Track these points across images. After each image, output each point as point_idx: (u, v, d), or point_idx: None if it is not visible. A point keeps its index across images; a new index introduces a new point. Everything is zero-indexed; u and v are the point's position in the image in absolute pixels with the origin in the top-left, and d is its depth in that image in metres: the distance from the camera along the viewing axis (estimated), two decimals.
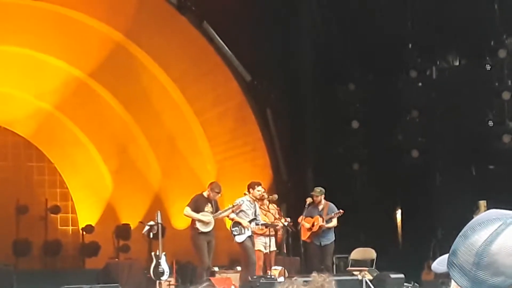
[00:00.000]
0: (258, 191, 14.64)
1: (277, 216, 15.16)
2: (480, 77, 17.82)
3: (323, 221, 15.44)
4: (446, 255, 1.78)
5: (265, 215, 15.04)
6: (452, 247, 1.75)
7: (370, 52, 18.68)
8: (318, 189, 15.65)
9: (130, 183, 20.86)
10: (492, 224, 1.70)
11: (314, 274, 1.96)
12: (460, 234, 1.74)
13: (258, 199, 14.79)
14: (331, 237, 15.63)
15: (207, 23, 19.67)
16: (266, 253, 14.93)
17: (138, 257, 18.23)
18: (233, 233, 14.35)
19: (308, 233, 15.54)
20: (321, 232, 15.48)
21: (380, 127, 19.09)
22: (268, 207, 15.25)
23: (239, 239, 14.34)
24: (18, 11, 18.73)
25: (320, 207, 15.56)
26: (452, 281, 1.74)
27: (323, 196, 15.56)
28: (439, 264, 1.80)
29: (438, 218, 17.56)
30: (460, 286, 1.72)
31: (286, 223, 14.95)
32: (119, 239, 20.22)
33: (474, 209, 15.62)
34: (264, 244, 14.91)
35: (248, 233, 14.35)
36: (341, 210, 15.44)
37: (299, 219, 15.44)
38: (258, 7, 19.66)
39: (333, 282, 1.80)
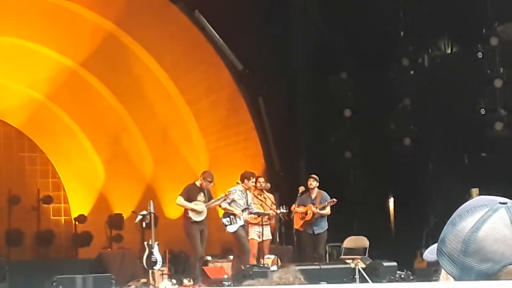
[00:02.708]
0: (252, 182, 14.70)
1: (273, 206, 15.19)
2: (472, 65, 17.82)
3: (316, 209, 15.46)
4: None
5: (261, 205, 15.05)
6: (441, 235, 1.74)
7: (362, 41, 18.67)
8: (314, 176, 15.72)
9: (122, 173, 20.83)
10: (479, 210, 1.70)
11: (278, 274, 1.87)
12: (448, 222, 1.74)
13: (256, 189, 14.89)
14: (324, 226, 15.66)
15: (198, 12, 19.61)
16: (260, 241, 14.94)
17: (131, 247, 18.21)
18: (224, 223, 14.38)
19: (301, 222, 15.56)
20: (314, 220, 15.52)
21: (373, 116, 19.10)
22: (265, 197, 15.30)
23: (231, 229, 14.37)
24: (8, 0, 18.65)
25: (313, 196, 15.61)
26: (442, 269, 1.73)
27: (317, 184, 15.61)
28: (430, 252, 1.79)
29: (430, 206, 17.59)
30: (449, 274, 1.71)
31: (279, 211, 14.97)
32: (112, 229, 20.20)
33: (467, 197, 15.60)
34: (258, 233, 14.93)
35: (241, 222, 14.37)
36: (334, 199, 15.48)
37: (292, 207, 15.46)
38: None
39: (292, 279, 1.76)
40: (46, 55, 19.95)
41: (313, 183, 15.62)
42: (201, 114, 20.51)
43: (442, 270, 1.74)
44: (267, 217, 14.98)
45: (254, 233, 14.87)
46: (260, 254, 14.96)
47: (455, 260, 1.69)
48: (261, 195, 15.24)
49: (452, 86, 17.76)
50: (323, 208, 15.51)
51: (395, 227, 19.16)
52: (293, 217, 15.58)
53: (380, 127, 19.11)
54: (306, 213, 15.50)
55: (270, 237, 15.21)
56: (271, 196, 15.65)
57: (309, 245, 15.73)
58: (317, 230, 15.60)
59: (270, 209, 15.11)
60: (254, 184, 14.82)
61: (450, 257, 1.71)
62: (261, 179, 15.47)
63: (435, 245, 1.77)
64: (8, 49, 19.55)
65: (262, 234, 14.89)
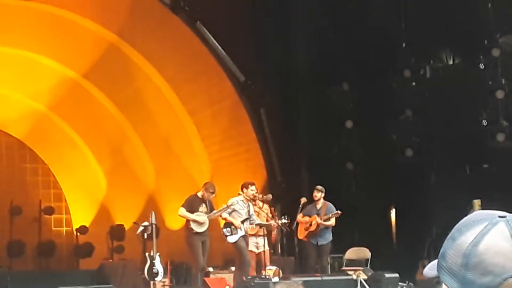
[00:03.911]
0: (252, 190, 14.68)
1: (269, 216, 15.19)
2: (473, 76, 17.84)
3: (321, 220, 15.45)
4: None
5: (258, 215, 15.05)
6: (441, 250, 1.75)
7: (363, 52, 18.69)
8: (319, 187, 15.73)
9: (124, 184, 20.83)
10: (479, 224, 1.71)
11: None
12: (448, 237, 1.75)
13: (251, 199, 14.84)
14: (328, 237, 15.64)
15: (200, 23, 19.67)
16: (259, 253, 14.94)
17: (133, 258, 18.22)
18: (225, 234, 14.38)
19: (306, 232, 15.55)
20: (319, 231, 15.49)
21: (374, 127, 19.11)
22: (260, 207, 15.28)
23: (231, 239, 14.37)
24: (10, 11, 18.71)
25: (319, 206, 15.61)
26: (443, 284, 1.74)
27: (323, 195, 15.61)
28: (430, 268, 1.80)
29: (432, 217, 17.58)
30: None
31: (281, 221, 14.97)
32: (113, 240, 20.20)
33: (469, 208, 15.63)
34: (256, 244, 14.93)
35: (241, 233, 14.37)
36: (338, 211, 15.47)
37: (298, 218, 15.45)
38: (252, 7, 19.68)
39: None
40: (48, 65, 19.99)
41: (317, 194, 15.63)
42: (202, 125, 20.54)
43: (443, 285, 1.75)
44: (268, 228, 14.98)
45: (251, 244, 14.87)
46: (262, 265, 14.95)
47: (456, 274, 1.70)
48: (255, 205, 15.18)
49: (454, 97, 17.77)
50: (328, 219, 15.49)
51: (397, 238, 19.15)
52: (296, 227, 15.57)
53: (382, 138, 19.11)
54: (310, 224, 15.49)
55: (267, 248, 15.16)
56: (266, 206, 15.64)
57: (312, 256, 15.71)
58: (321, 241, 15.58)
59: (267, 219, 15.11)
60: (253, 192, 14.77)
61: (450, 271, 1.71)
62: (255, 189, 15.42)
63: (435, 261, 1.78)
64: (10, 59, 19.59)
65: (262, 245, 14.89)
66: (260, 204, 15.41)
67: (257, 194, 15.11)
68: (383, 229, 18.84)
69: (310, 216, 15.54)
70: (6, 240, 19.88)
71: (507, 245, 1.67)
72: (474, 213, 1.76)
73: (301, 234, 15.67)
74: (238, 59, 19.93)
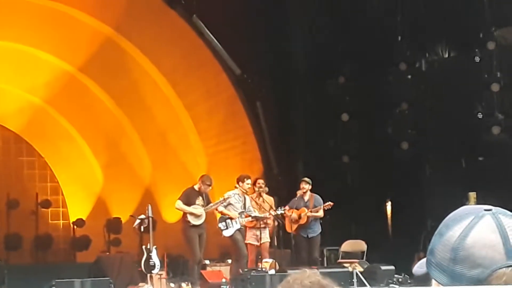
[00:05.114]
0: (247, 184, 14.71)
1: (273, 208, 15.15)
2: (469, 69, 17.85)
3: (310, 213, 15.44)
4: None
5: (260, 207, 15.03)
6: (430, 246, 1.78)
7: (360, 45, 18.70)
8: (306, 179, 15.70)
9: (120, 177, 20.84)
10: (465, 219, 1.74)
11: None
12: (436, 232, 1.77)
13: (253, 192, 14.90)
14: (317, 230, 15.63)
15: (196, 16, 19.66)
16: (258, 245, 14.95)
17: (129, 251, 18.22)
18: (221, 228, 14.41)
19: (295, 226, 15.54)
20: (308, 224, 15.48)
21: (370, 120, 19.13)
22: (263, 200, 15.28)
23: (227, 233, 14.40)
24: (7, 5, 18.69)
25: (306, 199, 15.58)
26: (433, 280, 1.77)
27: (310, 187, 15.59)
28: (420, 266, 1.83)
29: (428, 210, 17.60)
30: (440, 283, 1.74)
31: (278, 211, 14.95)
32: (110, 233, 20.20)
33: (464, 200, 15.68)
34: (256, 237, 14.93)
35: (237, 226, 14.40)
36: (330, 202, 15.45)
37: (285, 208, 15.37)
38: (248, 0, 19.67)
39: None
40: (45, 59, 19.98)
41: (305, 186, 15.59)
42: (199, 118, 20.54)
43: (433, 281, 1.77)
44: (264, 220, 14.99)
45: (251, 237, 14.87)
46: (258, 258, 14.97)
47: (445, 269, 1.72)
48: (259, 198, 15.23)
49: (450, 90, 17.79)
50: (317, 211, 15.47)
51: (392, 231, 19.18)
52: (284, 220, 15.55)
53: (377, 131, 19.13)
54: (299, 217, 15.47)
55: (269, 240, 15.19)
56: (270, 198, 15.63)
57: (304, 249, 15.68)
58: (311, 234, 15.56)
59: (267, 211, 15.10)
60: (249, 186, 14.81)
61: (440, 267, 1.74)
62: (260, 181, 15.47)
63: (424, 259, 1.81)
64: (6, 53, 19.58)
65: (260, 238, 14.90)
66: (265, 196, 15.43)
67: (263, 187, 15.19)
68: (379, 221, 18.86)
69: (297, 209, 15.52)
70: (3, 233, 19.90)
71: (495, 237, 1.70)
72: (460, 208, 1.78)
73: (290, 228, 15.63)
74: (234, 52, 19.93)
